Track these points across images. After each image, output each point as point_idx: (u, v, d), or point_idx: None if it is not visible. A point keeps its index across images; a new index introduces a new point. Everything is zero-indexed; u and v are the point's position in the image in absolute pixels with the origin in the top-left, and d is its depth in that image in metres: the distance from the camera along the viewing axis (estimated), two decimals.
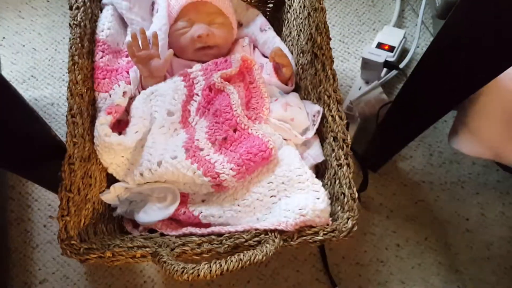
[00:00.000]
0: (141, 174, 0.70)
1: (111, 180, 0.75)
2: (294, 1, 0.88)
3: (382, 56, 0.94)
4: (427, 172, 0.98)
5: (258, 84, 0.78)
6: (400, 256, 0.90)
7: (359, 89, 0.99)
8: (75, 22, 0.74)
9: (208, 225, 0.68)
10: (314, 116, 0.74)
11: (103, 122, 0.69)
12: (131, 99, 0.77)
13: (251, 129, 0.71)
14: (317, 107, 0.74)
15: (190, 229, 0.66)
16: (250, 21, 0.94)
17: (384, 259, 0.90)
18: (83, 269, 0.92)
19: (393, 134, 0.85)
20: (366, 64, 0.95)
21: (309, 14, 0.78)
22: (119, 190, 0.72)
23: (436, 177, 0.97)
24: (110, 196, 0.72)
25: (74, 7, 0.76)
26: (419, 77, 0.72)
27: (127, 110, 0.76)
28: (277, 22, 0.97)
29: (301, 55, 0.83)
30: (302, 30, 0.83)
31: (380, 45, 1.02)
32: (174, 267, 0.53)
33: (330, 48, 0.74)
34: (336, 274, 0.88)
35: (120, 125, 0.75)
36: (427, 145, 1.00)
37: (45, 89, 1.07)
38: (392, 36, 1.04)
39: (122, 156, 0.72)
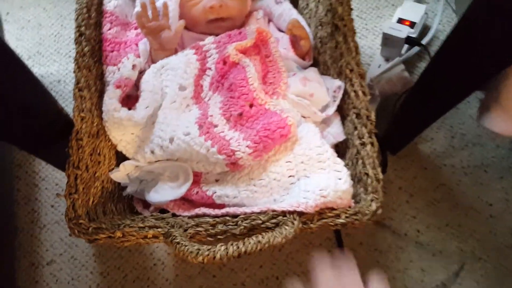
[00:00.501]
0: (152, 152, 0.67)
1: (121, 158, 0.72)
2: None
3: (404, 31, 0.89)
4: (449, 155, 0.93)
5: (275, 57, 0.73)
6: (420, 242, 0.86)
7: (379, 66, 0.94)
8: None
9: (222, 206, 0.65)
10: (334, 91, 0.70)
11: (111, 96, 0.66)
12: (141, 73, 0.73)
13: (268, 104, 0.67)
14: (338, 82, 0.70)
15: (203, 210, 0.63)
16: None
17: (403, 245, 0.86)
18: (91, 250, 0.90)
19: (415, 115, 0.80)
20: (387, 40, 0.90)
21: None
22: (129, 168, 0.69)
23: (458, 160, 0.93)
24: (120, 174, 0.69)
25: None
26: (446, 54, 0.67)
27: (136, 85, 0.73)
28: None
29: (319, 27, 0.79)
30: (321, 1, 0.78)
31: (400, 21, 0.97)
32: (188, 249, 0.50)
33: (352, 19, 0.69)
34: None
35: (129, 101, 0.71)
36: (448, 127, 0.96)
37: (51, 66, 1.04)
38: (413, 11, 0.99)
39: (132, 133, 0.69)
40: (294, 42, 0.78)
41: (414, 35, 0.95)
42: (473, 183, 0.91)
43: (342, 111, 0.71)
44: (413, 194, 0.90)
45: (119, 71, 0.71)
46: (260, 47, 0.74)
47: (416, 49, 0.98)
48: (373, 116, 0.61)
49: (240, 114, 0.67)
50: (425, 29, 1.02)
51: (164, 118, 0.68)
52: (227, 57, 0.70)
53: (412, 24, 0.96)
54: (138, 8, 0.77)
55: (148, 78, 0.71)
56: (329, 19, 0.74)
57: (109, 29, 0.74)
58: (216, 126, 0.66)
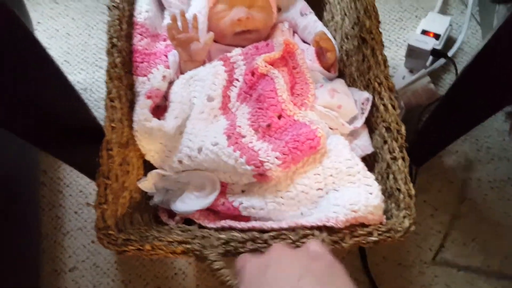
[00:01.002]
0: (180, 161, 0.67)
1: (148, 167, 0.73)
2: None
3: (429, 43, 0.88)
4: (475, 169, 0.92)
5: (302, 69, 0.74)
6: (445, 257, 0.85)
7: (403, 78, 0.93)
8: (113, 4, 0.72)
9: (248, 218, 0.64)
10: (362, 104, 0.70)
11: (143, 106, 0.67)
12: (170, 83, 0.75)
13: (297, 116, 0.67)
14: (366, 94, 0.70)
15: (230, 223, 0.62)
16: (290, 6, 0.90)
17: (428, 260, 0.85)
18: (113, 258, 0.90)
19: (442, 128, 0.79)
20: (412, 52, 0.90)
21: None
22: (156, 178, 0.70)
23: (484, 174, 0.91)
24: (147, 183, 0.70)
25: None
26: (476, 69, 0.66)
27: (165, 95, 0.74)
28: (317, 6, 0.93)
29: (345, 40, 0.79)
30: (348, 14, 0.78)
31: (424, 33, 0.97)
32: (228, 276, 0.49)
33: (380, 32, 0.69)
34: (376, 274, 0.83)
35: (158, 111, 0.72)
36: (474, 140, 0.94)
37: (78, 74, 1.06)
38: (437, 23, 0.98)
39: (161, 143, 0.69)
40: (320, 53, 0.78)
41: (438, 47, 0.95)
42: (499, 198, 0.89)
43: (369, 123, 0.70)
44: (437, 208, 0.89)
45: (149, 81, 0.72)
46: (287, 58, 0.75)
47: (441, 61, 0.98)
48: (403, 130, 0.60)
49: (269, 125, 0.67)
50: (449, 41, 1.01)
51: (192, 129, 0.69)
52: (256, 69, 0.71)
53: (436, 36, 0.96)
54: (168, 20, 0.79)
55: (177, 89, 0.72)
56: (356, 32, 0.74)
57: (140, 40, 0.76)
58: (244, 136, 0.66)
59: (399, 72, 0.97)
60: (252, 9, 0.80)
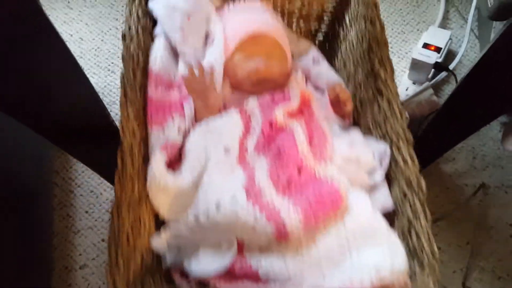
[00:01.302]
0: (196, 218, 0.62)
1: (160, 225, 0.68)
2: (349, 32, 0.83)
3: (432, 57, 0.93)
4: (470, 175, 0.96)
5: (318, 119, 0.72)
6: (442, 259, 0.88)
7: (406, 89, 0.98)
8: (128, 54, 0.69)
9: (266, 280, 0.60)
10: (381, 157, 0.67)
11: (158, 161, 0.65)
12: (185, 133, 0.73)
13: (318, 172, 0.63)
14: (384, 146, 0.67)
15: (247, 286, 0.59)
16: (302, 53, 0.90)
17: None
18: None
19: (440, 136, 0.84)
20: (416, 65, 0.94)
21: (369, 46, 0.73)
22: (169, 234, 0.66)
23: (479, 181, 0.96)
24: (160, 242, 0.65)
25: (127, 38, 0.71)
26: (473, 80, 0.71)
27: (180, 147, 0.72)
28: (327, 52, 0.93)
29: (359, 89, 0.78)
30: (361, 63, 0.77)
31: (426, 46, 1.01)
32: None
33: (395, 83, 0.67)
34: None
35: (172, 161, 0.70)
36: (470, 148, 0.99)
37: (90, 79, 1.07)
38: (438, 37, 1.03)
39: (175, 198, 0.66)
40: (335, 102, 0.77)
41: (439, 60, 0.99)
42: (493, 204, 0.93)
43: (388, 176, 0.66)
44: (434, 213, 0.93)
45: (164, 133, 0.70)
46: (303, 109, 0.73)
47: (443, 74, 1.02)
48: (424, 186, 0.57)
49: (289, 181, 0.64)
50: (448, 54, 1.06)
51: (209, 183, 0.65)
52: (274, 121, 0.69)
53: (437, 49, 1.01)
54: (182, 68, 0.79)
55: (193, 140, 0.70)
56: (370, 82, 0.72)
57: (154, 90, 0.73)
58: (264, 192, 0.62)
59: (403, 83, 1.02)
60: (269, 58, 0.78)
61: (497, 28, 0.99)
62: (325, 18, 0.92)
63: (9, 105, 0.58)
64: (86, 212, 0.98)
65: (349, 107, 0.76)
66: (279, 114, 0.69)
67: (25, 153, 0.90)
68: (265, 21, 0.81)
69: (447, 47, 1.03)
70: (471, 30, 1.11)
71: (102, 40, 1.12)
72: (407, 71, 1.02)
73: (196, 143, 0.70)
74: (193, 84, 0.74)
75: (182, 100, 0.77)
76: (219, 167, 0.67)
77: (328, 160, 0.67)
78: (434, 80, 1.01)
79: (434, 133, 0.84)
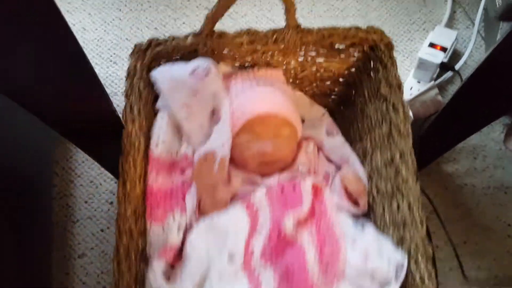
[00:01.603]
0: None
1: None
2: (367, 105, 0.78)
3: (439, 57, 0.93)
4: (470, 175, 0.97)
5: (331, 221, 0.67)
6: (438, 257, 0.89)
7: (411, 88, 0.98)
8: (129, 141, 0.65)
9: None
10: (397, 267, 0.62)
11: (156, 271, 0.62)
12: (186, 229, 0.70)
13: None
14: (400, 259, 0.62)
15: None
16: (315, 121, 0.86)
17: None
18: None
19: (442, 134, 0.84)
20: (421, 64, 0.94)
21: (390, 133, 0.69)
22: None
23: (479, 181, 0.96)
24: None
25: (128, 121, 0.67)
26: (476, 80, 0.71)
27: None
28: (342, 115, 0.89)
29: (376, 174, 0.73)
30: (379, 146, 0.73)
31: (432, 45, 1.01)
32: None
33: (418, 183, 0.62)
34: None
35: (171, 263, 0.67)
36: (471, 148, 0.99)
37: None
38: (444, 36, 1.03)
39: None
40: (348, 191, 0.74)
41: (445, 60, 0.99)
42: (492, 204, 0.94)
43: (401, 286, 0.62)
44: (432, 212, 0.93)
45: (163, 231, 0.68)
46: (315, 204, 0.69)
47: (448, 73, 1.02)
48: None
49: None
50: (454, 55, 1.06)
51: None
52: (283, 232, 0.65)
53: (443, 49, 1.00)
54: (185, 148, 0.76)
55: (195, 242, 0.66)
56: (390, 175, 0.68)
57: (155, 178, 0.70)
58: None
59: (407, 82, 1.01)
60: (277, 139, 0.75)
61: (504, 29, 0.98)
62: (341, 80, 0.86)
63: (16, 90, 0.58)
64: (86, 202, 0.98)
65: (361, 200, 0.73)
66: (289, 224, 0.64)
67: (25, 142, 0.90)
68: (274, 98, 0.76)
69: (453, 47, 1.03)
70: (478, 31, 1.10)
71: (104, 31, 1.12)
72: (412, 70, 1.02)
73: (198, 246, 0.65)
74: (202, 179, 0.70)
75: (184, 190, 0.72)
76: (222, 278, 0.63)
77: (339, 277, 0.62)
78: (439, 80, 1.01)
79: (436, 132, 0.84)
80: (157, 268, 0.62)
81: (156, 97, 0.79)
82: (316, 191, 0.70)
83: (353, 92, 0.84)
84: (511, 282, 0.87)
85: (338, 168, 0.82)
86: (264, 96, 0.76)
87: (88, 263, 0.92)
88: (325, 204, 0.69)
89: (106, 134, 0.70)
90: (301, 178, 0.72)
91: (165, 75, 0.75)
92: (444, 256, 0.89)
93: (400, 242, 0.65)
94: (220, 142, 0.74)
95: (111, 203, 0.97)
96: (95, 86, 0.71)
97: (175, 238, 0.66)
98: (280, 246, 0.65)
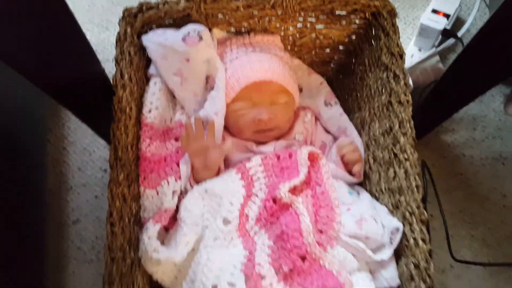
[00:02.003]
0: None
1: (155, 283, 0.67)
2: (367, 74, 0.77)
3: (441, 23, 0.90)
4: (469, 146, 0.96)
5: (327, 188, 0.67)
6: (433, 226, 0.89)
7: (411, 56, 0.95)
8: (120, 107, 0.64)
9: None
10: (392, 233, 0.63)
11: (151, 235, 0.62)
12: (181, 194, 0.69)
13: (323, 261, 0.60)
14: (396, 223, 0.62)
15: None
16: (313, 90, 0.85)
17: None
18: None
19: (442, 101, 0.82)
20: (423, 31, 0.91)
21: (389, 102, 0.68)
22: None
23: (477, 152, 0.95)
24: None
25: (119, 88, 0.65)
26: (477, 46, 0.69)
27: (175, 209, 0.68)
28: (341, 84, 0.88)
29: (373, 143, 0.73)
30: (378, 116, 0.72)
31: (435, 11, 0.98)
32: None
33: (415, 151, 0.62)
34: None
35: (166, 226, 0.67)
36: (471, 119, 0.98)
37: None
38: (448, 3, 1.00)
39: (168, 268, 0.64)
40: (344, 160, 0.74)
41: (447, 27, 0.97)
42: (490, 174, 0.93)
43: (396, 250, 0.64)
44: (430, 181, 0.93)
45: (157, 195, 0.67)
46: (311, 172, 0.69)
47: (450, 41, 1.00)
48: (432, 270, 0.56)
49: (291, 269, 0.59)
50: (457, 22, 1.03)
51: (206, 260, 0.62)
52: (278, 198, 0.64)
53: (446, 16, 0.97)
54: (179, 115, 0.76)
55: (190, 206, 0.66)
56: (387, 143, 0.68)
57: (148, 145, 0.69)
58: (264, 278, 0.58)
59: (408, 49, 0.99)
60: (273, 106, 0.74)
61: None
62: (341, 48, 0.84)
63: (9, 54, 0.57)
64: (79, 169, 0.97)
65: (357, 168, 0.72)
66: (284, 191, 0.63)
67: (18, 110, 0.89)
68: (270, 65, 0.74)
69: (456, 14, 1.00)
70: None
71: None
72: (414, 37, 1.00)
73: (192, 210, 0.65)
74: (190, 144, 0.68)
75: (178, 157, 0.71)
76: (218, 242, 0.64)
77: (334, 240, 0.63)
78: (441, 47, 0.98)
79: (436, 99, 0.82)
80: (151, 231, 0.62)
81: (148, 63, 0.77)
82: (313, 159, 0.69)
83: (353, 60, 0.83)
84: (504, 252, 0.87)
85: (335, 138, 0.81)
86: (260, 62, 0.73)
87: (82, 229, 0.93)
88: (321, 172, 0.69)
89: (98, 100, 0.69)
90: (297, 147, 0.71)
91: (156, 41, 0.73)
92: (440, 226, 0.89)
93: (395, 207, 0.65)
94: (214, 109, 0.72)
95: (105, 170, 0.96)
96: (86, 51, 0.70)
97: (170, 202, 0.66)
98: (275, 211, 0.64)
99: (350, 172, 0.74)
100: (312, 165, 0.69)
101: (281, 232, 0.62)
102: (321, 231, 0.63)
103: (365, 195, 0.71)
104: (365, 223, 0.63)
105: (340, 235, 0.63)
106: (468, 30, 1.03)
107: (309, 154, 0.69)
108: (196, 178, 0.70)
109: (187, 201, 0.66)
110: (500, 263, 0.85)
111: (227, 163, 0.75)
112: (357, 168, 0.73)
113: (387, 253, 0.62)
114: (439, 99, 0.82)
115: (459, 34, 1.00)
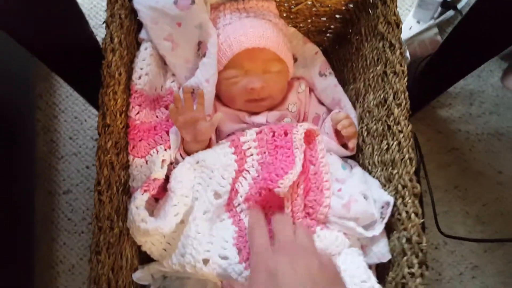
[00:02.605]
0: (182, 266, 0.61)
1: (144, 254, 0.66)
2: (363, 44, 0.75)
3: None
4: (465, 121, 0.94)
5: (320, 168, 0.65)
6: (427, 202, 0.88)
7: (410, 28, 0.93)
8: (109, 72, 0.62)
9: None
10: (382, 207, 0.62)
11: (138, 205, 0.60)
12: (171, 163, 0.68)
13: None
14: (387, 197, 0.62)
15: None
16: (308, 60, 0.82)
17: None
18: None
19: (438, 75, 0.81)
20: (422, 2, 0.89)
21: (385, 73, 0.67)
22: (153, 270, 0.65)
23: (473, 127, 0.94)
24: (143, 275, 0.65)
25: (108, 51, 0.63)
26: (478, 13, 0.67)
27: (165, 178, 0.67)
28: (336, 54, 0.86)
29: (367, 115, 0.72)
30: (372, 87, 0.71)
31: None
32: None
33: (409, 123, 0.61)
34: None
35: (155, 195, 0.66)
36: (468, 94, 0.96)
37: None
38: None
39: (157, 239, 0.63)
40: (338, 133, 0.72)
41: None
42: (485, 150, 0.93)
43: (388, 224, 0.63)
44: (424, 156, 0.92)
45: (146, 164, 0.66)
46: (306, 150, 0.67)
47: (449, 13, 0.97)
48: (424, 243, 0.55)
49: None
50: None
51: (196, 233, 0.61)
52: (271, 186, 0.61)
53: None
54: (170, 82, 0.74)
55: (180, 177, 0.64)
56: (381, 115, 0.67)
57: (137, 113, 0.67)
58: None
59: (407, 22, 0.97)
60: (267, 74, 0.72)
61: None
62: (338, 17, 0.81)
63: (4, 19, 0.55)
64: (70, 138, 0.96)
65: (352, 143, 0.71)
66: (282, 187, 0.60)
67: (6, 74, 0.87)
68: (264, 32, 0.70)
69: None
70: None
71: None
72: (413, 9, 0.97)
73: (183, 180, 0.64)
74: (179, 115, 0.65)
75: (168, 126, 0.69)
76: (207, 215, 0.63)
77: (321, 223, 0.62)
78: (439, 19, 0.96)
79: (432, 71, 0.81)
80: (139, 201, 0.61)
81: (140, 27, 0.74)
82: (309, 135, 0.68)
83: (349, 30, 0.80)
84: (497, 229, 0.87)
85: (329, 110, 0.80)
86: (253, 29, 0.70)
87: (73, 199, 0.92)
88: (316, 149, 0.67)
89: (89, 66, 0.67)
90: (294, 124, 0.69)
91: (147, 3, 0.70)
92: (435, 202, 0.88)
93: (387, 180, 0.64)
94: (205, 76, 0.70)
95: (96, 139, 0.94)
96: (75, 13, 0.68)
97: (159, 171, 0.65)
98: (266, 197, 0.63)
99: (343, 145, 0.73)
100: (307, 141, 0.67)
101: (266, 214, 0.62)
102: (308, 214, 0.62)
103: (357, 169, 0.70)
104: (354, 204, 0.62)
105: (329, 217, 0.62)
106: (468, 2, 1.01)
107: (306, 132, 0.67)
108: (187, 150, 0.69)
109: (178, 172, 0.65)
110: (487, 239, 0.85)
111: (219, 134, 0.74)
112: (352, 144, 0.72)
113: (377, 230, 0.62)
114: (435, 71, 0.80)
115: (459, 6, 0.97)
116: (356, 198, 0.62)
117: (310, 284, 0.45)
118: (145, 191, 0.62)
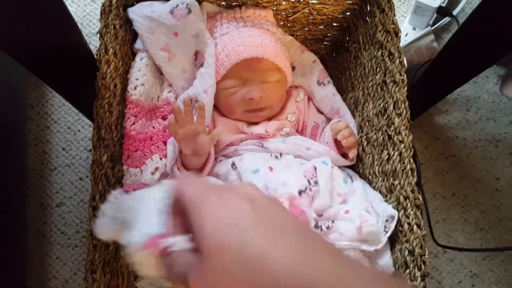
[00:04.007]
0: None
1: None
2: (361, 53, 0.74)
3: (436, 0, 0.87)
4: (462, 128, 0.94)
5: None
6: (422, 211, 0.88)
7: (406, 35, 0.93)
8: (103, 84, 0.61)
9: None
10: (386, 221, 0.61)
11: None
12: (167, 176, 0.67)
13: None
14: (391, 211, 0.61)
15: None
16: (306, 68, 0.82)
17: None
18: None
19: (436, 82, 0.81)
20: (418, 9, 0.89)
21: (384, 82, 0.66)
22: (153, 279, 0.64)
23: (470, 133, 0.94)
24: (145, 283, 0.65)
25: (103, 63, 0.62)
26: (476, 21, 0.67)
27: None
28: (334, 62, 0.85)
29: (367, 124, 0.71)
30: (371, 96, 0.70)
31: None
32: None
33: (410, 133, 0.61)
34: None
35: None
36: (464, 100, 0.96)
37: (69, 7, 0.99)
38: None
39: None
40: (338, 142, 0.71)
41: (443, 5, 0.94)
42: (482, 157, 0.92)
43: (391, 236, 0.62)
44: (422, 163, 0.91)
45: (141, 174, 0.65)
46: None
47: (445, 19, 0.97)
48: (427, 255, 0.55)
49: None
50: (452, 0, 1.01)
51: None
52: None
53: None
54: (167, 92, 0.73)
55: None
56: (381, 125, 0.66)
57: (133, 123, 0.66)
58: None
59: (403, 28, 0.96)
60: (265, 84, 0.70)
61: None
62: (335, 25, 0.81)
63: None
64: (63, 149, 0.94)
65: (352, 154, 0.70)
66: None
67: None
68: (262, 41, 0.70)
69: None
70: None
71: None
72: (408, 15, 0.97)
73: None
74: (179, 128, 0.63)
75: (165, 136, 0.68)
76: None
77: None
78: (436, 25, 0.96)
79: (430, 79, 0.80)
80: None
81: (134, 37, 0.73)
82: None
83: (347, 38, 0.80)
84: (496, 236, 0.87)
85: (328, 119, 0.79)
86: (251, 38, 0.70)
87: (66, 212, 0.90)
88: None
89: (82, 77, 0.66)
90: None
91: (142, 13, 0.69)
92: (432, 209, 0.88)
93: (389, 191, 0.63)
94: (203, 87, 0.69)
95: (90, 150, 0.93)
96: (66, 22, 0.66)
97: (148, 177, 0.64)
98: None
99: (342, 154, 0.72)
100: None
101: None
102: None
103: (357, 183, 0.68)
104: (365, 226, 0.60)
105: (336, 244, 0.60)
106: (463, 9, 1.01)
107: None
108: (185, 164, 0.67)
109: None
110: (479, 249, 0.85)
111: (217, 144, 0.73)
112: (352, 154, 0.71)
113: (381, 242, 0.61)
114: (433, 80, 0.80)
115: (455, 12, 0.98)
116: (366, 219, 0.61)
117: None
118: (125, 191, 0.59)
